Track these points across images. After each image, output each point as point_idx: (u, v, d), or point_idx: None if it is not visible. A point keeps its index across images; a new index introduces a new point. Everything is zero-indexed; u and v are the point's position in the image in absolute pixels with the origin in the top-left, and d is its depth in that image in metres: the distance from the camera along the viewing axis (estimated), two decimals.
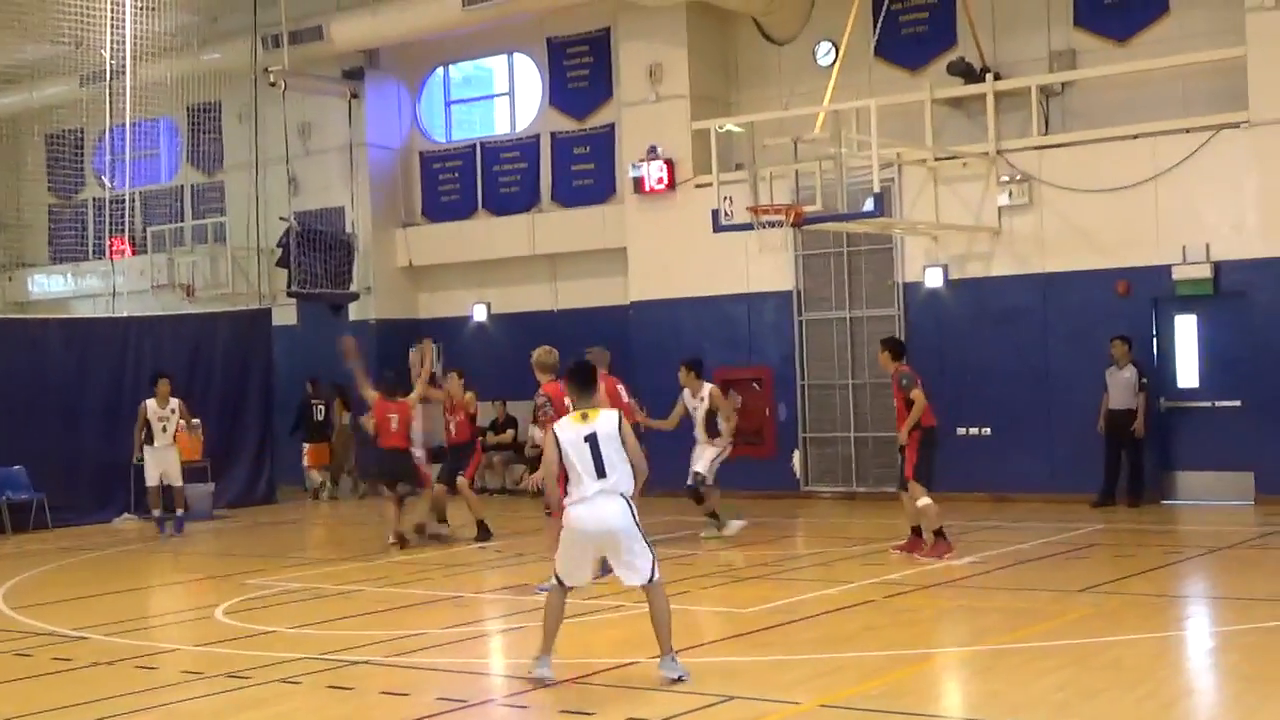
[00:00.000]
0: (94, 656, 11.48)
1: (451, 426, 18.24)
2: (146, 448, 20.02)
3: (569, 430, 9.60)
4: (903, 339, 17.82)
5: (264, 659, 10.83)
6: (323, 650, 11.07)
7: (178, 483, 20.23)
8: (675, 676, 9.47)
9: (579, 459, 9.50)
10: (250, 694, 9.79)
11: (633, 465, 9.62)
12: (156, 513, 20.00)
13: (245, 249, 25.91)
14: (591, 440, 9.50)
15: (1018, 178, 20.15)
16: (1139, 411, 18.99)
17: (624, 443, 9.56)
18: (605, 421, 9.58)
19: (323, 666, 10.49)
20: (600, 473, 9.47)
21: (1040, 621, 11.52)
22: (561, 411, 13.50)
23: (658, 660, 9.60)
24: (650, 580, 9.54)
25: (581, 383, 9.91)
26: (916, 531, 15.18)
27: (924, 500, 14.88)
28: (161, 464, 20.03)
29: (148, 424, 20.03)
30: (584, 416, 9.65)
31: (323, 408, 25.32)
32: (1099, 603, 12.28)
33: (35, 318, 24.84)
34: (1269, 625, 10.84)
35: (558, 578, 9.77)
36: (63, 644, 11.99)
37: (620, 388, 16.29)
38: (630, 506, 9.51)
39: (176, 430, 20.25)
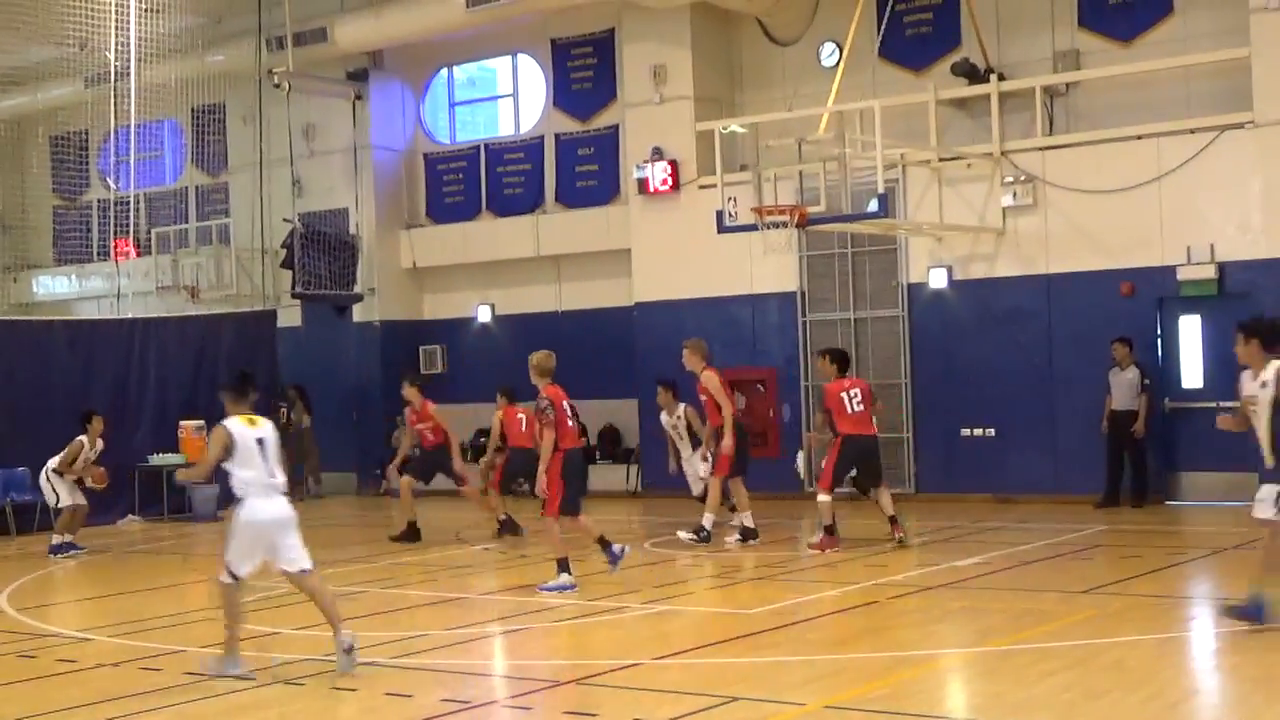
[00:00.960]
0: (99, 658, 11.49)
1: (428, 433, 18.70)
2: (59, 477, 18.50)
3: (243, 429, 10.47)
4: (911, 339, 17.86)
5: (267, 660, 10.84)
6: (326, 651, 11.06)
7: (83, 503, 18.77)
8: (349, 646, 10.30)
9: (251, 458, 10.45)
10: (254, 695, 9.80)
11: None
12: (68, 537, 18.40)
13: (249, 250, 25.94)
14: (260, 443, 10.49)
15: (1022, 179, 20.15)
16: (1140, 413, 18.98)
17: (279, 448, 10.64)
18: (268, 428, 10.60)
19: (327, 668, 10.49)
20: (270, 473, 10.47)
21: (1044, 623, 11.51)
22: (562, 414, 13.67)
23: (334, 637, 10.34)
24: (310, 568, 10.50)
25: (241, 391, 10.75)
26: (892, 520, 15.95)
27: (824, 497, 15.81)
28: (74, 494, 18.56)
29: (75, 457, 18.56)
30: (251, 421, 10.57)
31: (284, 410, 25.25)
32: (1103, 604, 12.29)
33: (40, 319, 24.86)
34: (1275, 627, 10.82)
35: (230, 573, 10.40)
36: (67, 645, 12.01)
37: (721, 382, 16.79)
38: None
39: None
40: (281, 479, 10.55)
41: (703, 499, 17.33)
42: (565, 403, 13.91)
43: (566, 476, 13.79)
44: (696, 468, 18.09)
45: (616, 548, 14.05)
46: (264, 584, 14.89)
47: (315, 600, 10.59)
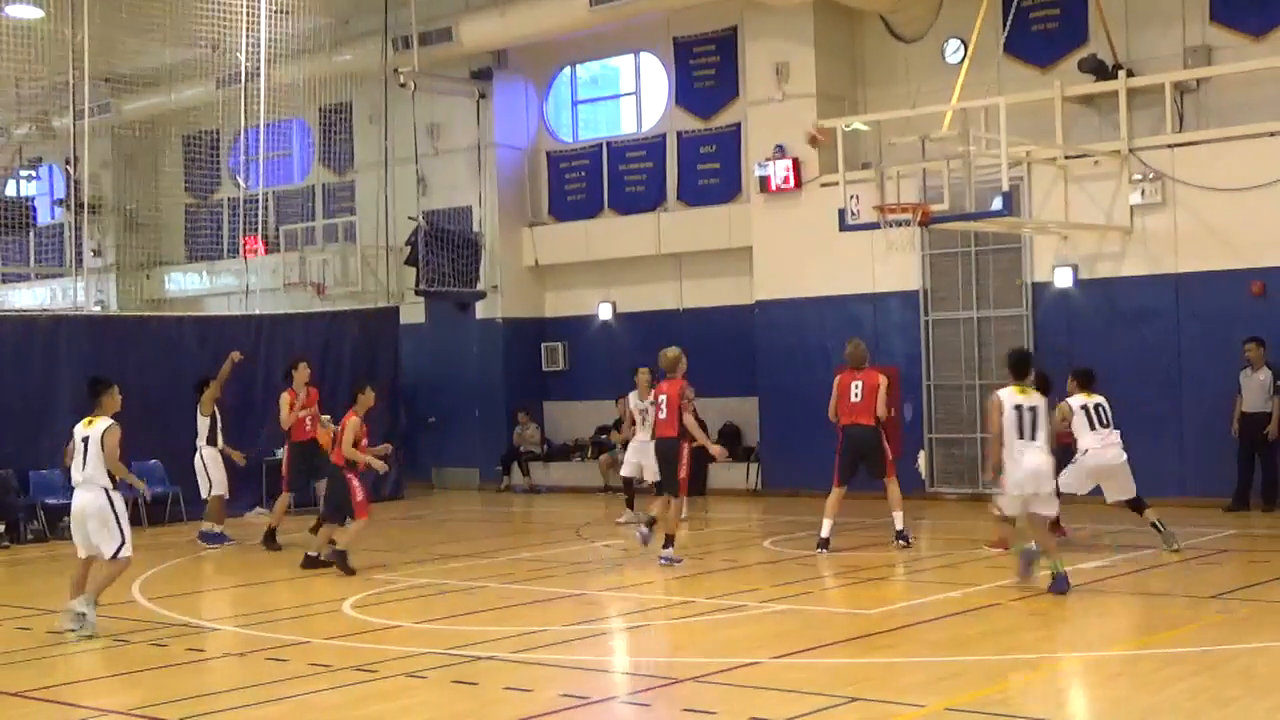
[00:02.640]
0: (226, 647, 11.73)
1: (308, 422, 18.24)
2: (213, 452, 18.88)
3: (79, 428, 12.29)
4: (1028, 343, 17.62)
5: (390, 653, 10.99)
6: (447, 645, 11.21)
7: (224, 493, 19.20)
8: (80, 612, 11.93)
9: (76, 455, 12.21)
10: (377, 687, 9.94)
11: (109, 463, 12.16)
12: (219, 527, 18.84)
13: (374, 248, 26.25)
14: (85, 441, 12.16)
15: (1150, 176, 19.82)
16: (1273, 414, 18.60)
17: (103, 448, 12.05)
18: (96, 429, 12.15)
19: (447, 661, 10.62)
20: (82, 466, 12.12)
21: (1170, 627, 11.34)
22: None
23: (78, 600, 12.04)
24: (113, 556, 12.10)
25: (90, 391, 12.46)
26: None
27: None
28: (223, 480, 18.98)
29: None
30: (89, 422, 12.25)
31: None
32: (1231, 609, 12.06)
33: (171, 315, 25.35)
34: None
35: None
36: (196, 635, 12.26)
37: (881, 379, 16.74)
38: (106, 495, 12.08)
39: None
40: (95, 476, 12.06)
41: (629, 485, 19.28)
42: (660, 396, 15.69)
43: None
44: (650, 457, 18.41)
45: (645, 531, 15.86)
46: (386, 576, 15.12)
47: (91, 575, 12.23)
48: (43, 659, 11.39)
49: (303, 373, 18.32)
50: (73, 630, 11.90)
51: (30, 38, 23.32)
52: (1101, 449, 15.42)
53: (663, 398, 15.57)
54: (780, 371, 22.72)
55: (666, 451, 15.61)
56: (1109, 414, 15.58)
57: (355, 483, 15.63)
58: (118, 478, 12.30)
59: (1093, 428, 15.41)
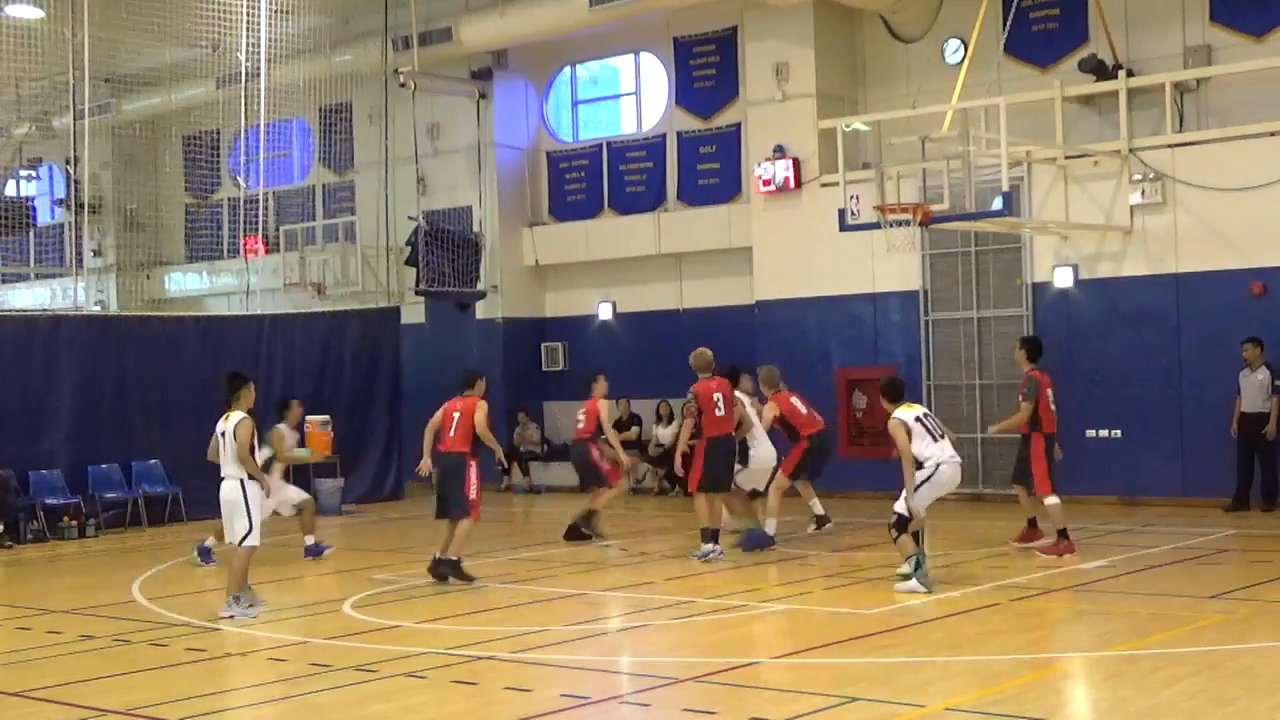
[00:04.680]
0: (226, 647, 11.74)
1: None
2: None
3: (219, 426, 12.96)
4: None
5: (390, 653, 11.00)
6: (448, 645, 11.21)
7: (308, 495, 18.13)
8: (226, 615, 12.76)
9: (220, 449, 12.94)
10: (377, 687, 9.94)
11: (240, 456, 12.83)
12: (311, 538, 17.51)
13: (375, 248, 26.24)
14: (223, 435, 12.87)
15: (1150, 176, 19.82)
16: (1271, 414, 18.60)
17: (236, 440, 12.73)
18: (231, 423, 12.85)
19: (448, 661, 10.62)
20: (225, 461, 12.88)
21: (1170, 627, 11.34)
22: (707, 405, 15.87)
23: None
24: (239, 543, 12.87)
25: (229, 389, 13.14)
26: (1032, 523, 15.77)
27: (1052, 499, 15.30)
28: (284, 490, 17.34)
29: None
30: (227, 417, 12.91)
31: None
32: (1231, 609, 12.06)
33: (172, 315, 25.35)
34: None
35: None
36: (197, 635, 12.26)
37: (794, 401, 17.51)
38: (241, 486, 12.77)
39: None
40: (231, 468, 12.77)
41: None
42: (716, 395, 15.89)
43: (708, 459, 15.82)
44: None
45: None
46: (386, 576, 15.13)
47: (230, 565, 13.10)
48: (43, 659, 11.40)
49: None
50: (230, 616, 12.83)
51: (30, 38, 23.33)
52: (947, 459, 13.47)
53: (718, 396, 15.98)
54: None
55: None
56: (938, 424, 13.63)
57: (596, 455, 17.42)
58: (246, 469, 12.86)
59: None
